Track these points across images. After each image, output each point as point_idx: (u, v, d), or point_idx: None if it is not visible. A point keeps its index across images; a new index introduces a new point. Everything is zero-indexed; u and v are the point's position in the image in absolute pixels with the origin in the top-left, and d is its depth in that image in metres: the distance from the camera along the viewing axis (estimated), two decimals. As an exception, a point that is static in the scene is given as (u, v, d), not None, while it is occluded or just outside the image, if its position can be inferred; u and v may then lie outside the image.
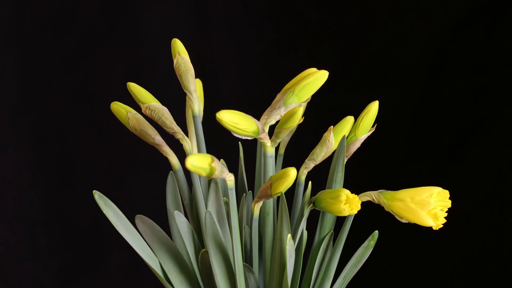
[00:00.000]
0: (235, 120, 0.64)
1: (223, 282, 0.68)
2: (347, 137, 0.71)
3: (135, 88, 0.71)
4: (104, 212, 0.68)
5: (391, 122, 1.34)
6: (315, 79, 0.67)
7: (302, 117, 0.67)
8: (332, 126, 0.70)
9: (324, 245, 0.71)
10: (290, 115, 0.67)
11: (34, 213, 1.36)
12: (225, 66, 1.38)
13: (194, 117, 0.69)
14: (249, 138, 0.66)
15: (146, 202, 1.33)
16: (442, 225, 0.66)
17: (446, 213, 0.66)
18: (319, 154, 0.70)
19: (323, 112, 1.13)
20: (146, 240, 0.70)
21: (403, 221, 0.66)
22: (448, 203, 0.66)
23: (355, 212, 0.65)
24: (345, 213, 0.65)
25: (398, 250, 1.37)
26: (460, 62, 1.32)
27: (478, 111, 1.33)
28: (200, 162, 0.62)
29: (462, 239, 1.33)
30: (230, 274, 0.68)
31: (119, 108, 0.72)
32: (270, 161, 0.68)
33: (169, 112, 0.70)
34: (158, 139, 0.71)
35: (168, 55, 0.71)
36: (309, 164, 0.71)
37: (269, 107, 0.69)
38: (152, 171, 1.35)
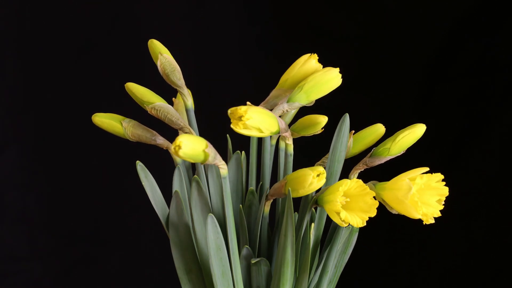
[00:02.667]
0: (261, 120, 0.59)
1: (221, 279, 0.67)
2: (379, 148, 0.68)
3: (135, 88, 0.69)
4: (143, 184, 0.70)
5: (391, 122, 1.34)
6: (327, 80, 0.64)
7: (322, 129, 0.66)
8: (353, 131, 0.68)
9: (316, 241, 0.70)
10: (312, 123, 0.65)
11: (34, 213, 1.36)
12: (225, 65, 1.38)
13: (187, 110, 0.69)
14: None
15: (147, 202, 1.33)
16: (433, 220, 0.62)
17: (443, 205, 0.62)
18: None
19: (322, 112, 1.13)
20: (170, 221, 0.69)
21: (394, 212, 0.64)
22: (445, 191, 0.63)
23: (361, 225, 0.61)
24: (345, 224, 0.61)
25: (398, 249, 1.37)
26: (460, 62, 1.32)
27: (478, 111, 1.33)
28: (194, 144, 0.58)
29: (462, 239, 1.33)
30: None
31: (102, 119, 0.69)
32: (290, 160, 0.67)
33: (174, 109, 0.70)
34: (159, 139, 0.70)
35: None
36: (326, 163, 0.70)
37: (263, 102, 0.67)
38: (153, 170, 1.34)
